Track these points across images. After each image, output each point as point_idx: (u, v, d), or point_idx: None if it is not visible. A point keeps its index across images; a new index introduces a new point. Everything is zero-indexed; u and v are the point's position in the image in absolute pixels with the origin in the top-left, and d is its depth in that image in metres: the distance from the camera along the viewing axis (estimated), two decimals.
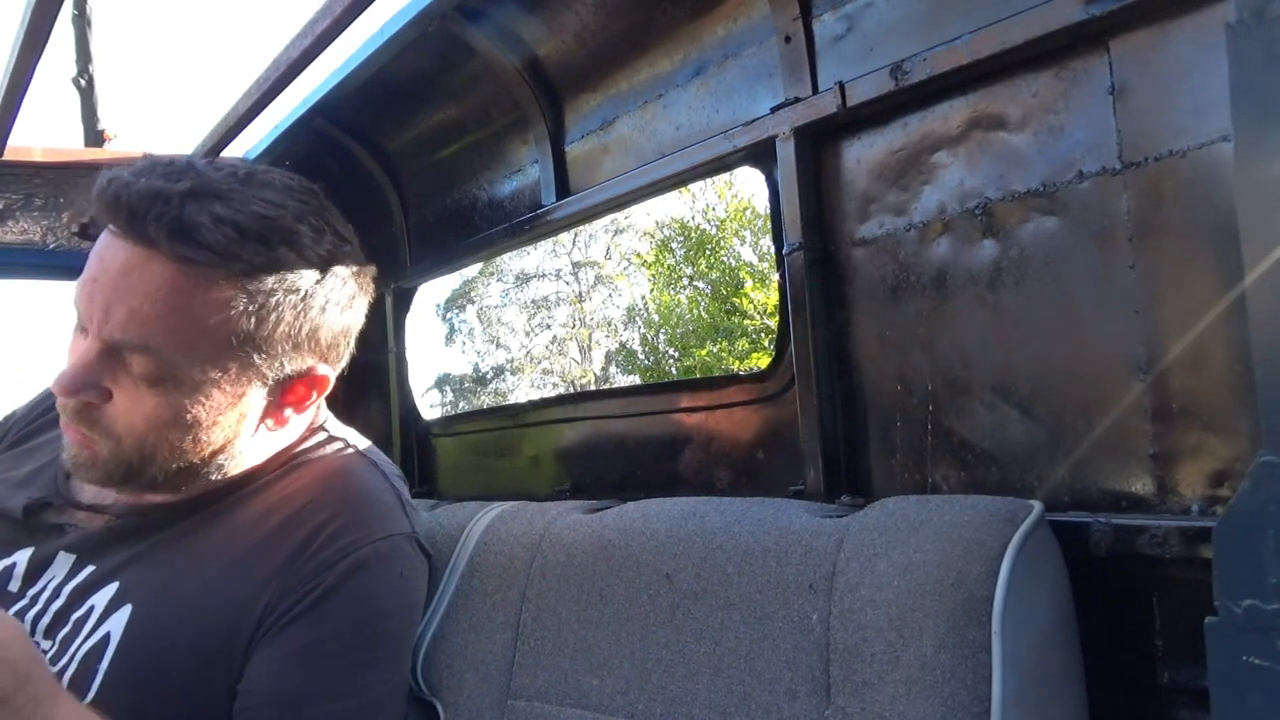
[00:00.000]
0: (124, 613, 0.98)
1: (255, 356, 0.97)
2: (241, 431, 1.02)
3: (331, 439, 1.16)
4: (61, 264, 1.97)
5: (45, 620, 0.99)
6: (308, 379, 1.04)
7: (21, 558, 1.03)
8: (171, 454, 0.98)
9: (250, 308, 0.94)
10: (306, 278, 0.97)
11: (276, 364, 0.99)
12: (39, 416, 1.25)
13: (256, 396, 1.01)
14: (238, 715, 0.95)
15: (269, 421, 1.05)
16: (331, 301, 1.01)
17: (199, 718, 0.96)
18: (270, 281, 0.95)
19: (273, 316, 0.96)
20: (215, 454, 1.02)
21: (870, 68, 1.12)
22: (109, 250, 0.93)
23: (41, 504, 1.08)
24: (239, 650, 0.96)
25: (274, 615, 0.97)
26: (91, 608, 0.99)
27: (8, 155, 1.80)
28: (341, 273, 1.02)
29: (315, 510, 1.03)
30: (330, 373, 1.06)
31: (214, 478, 1.04)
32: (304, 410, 1.09)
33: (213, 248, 0.90)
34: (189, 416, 0.97)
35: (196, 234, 0.90)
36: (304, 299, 0.98)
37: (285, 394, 1.04)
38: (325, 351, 1.03)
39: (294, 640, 0.96)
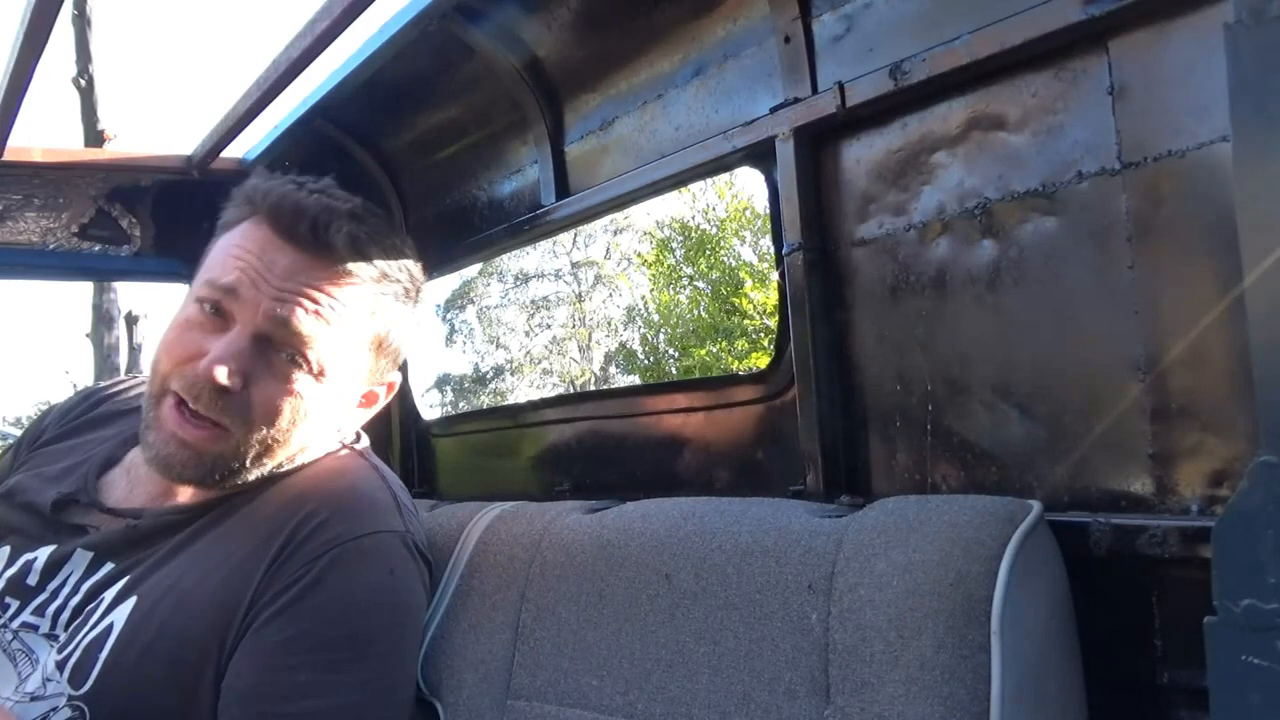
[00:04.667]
0: (128, 605, 0.99)
1: (377, 360, 1.13)
2: (330, 425, 1.13)
3: (344, 446, 1.19)
4: (61, 264, 1.97)
5: (65, 615, 1.01)
6: (387, 385, 1.19)
7: (42, 554, 1.05)
8: (286, 443, 1.06)
9: (386, 318, 1.10)
10: (414, 301, 1.16)
11: (381, 368, 1.15)
12: (79, 415, 1.27)
13: (357, 395, 1.15)
14: (221, 713, 0.95)
15: (348, 416, 1.17)
16: (418, 323, 1.18)
17: (186, 708, 0.96)
18: (402, 298, 1.13)
19: (395, 328, 1.13)
20: (302, 446, 1.10)
21: (869, 68, 1.12)
22: (270, 250, 1.02)
23: (69, 500, 1.10)
24: (226, 644, 0.97)
25: (256, 609, 0.98)
26: (101, 600, 1.01)
27: (8, 155, 1.79)
28: (425, 301, 1.20)
29: (305, 506, 1.04)
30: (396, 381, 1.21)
31: (273, 470, 1.10)
32: (369, 409, 1.20)
33: (378, 265, 1.07)
34: (319, 406, 1.06)
35: (368, 249, 1.06)
36: (410, 315, 1.16)
37: (367, 395, 1.17)
38: (398, 365, 1.19)
39: (272, 636, 0.96)
